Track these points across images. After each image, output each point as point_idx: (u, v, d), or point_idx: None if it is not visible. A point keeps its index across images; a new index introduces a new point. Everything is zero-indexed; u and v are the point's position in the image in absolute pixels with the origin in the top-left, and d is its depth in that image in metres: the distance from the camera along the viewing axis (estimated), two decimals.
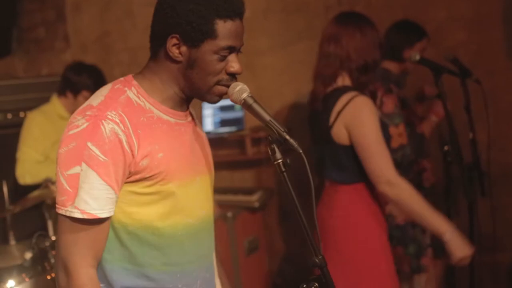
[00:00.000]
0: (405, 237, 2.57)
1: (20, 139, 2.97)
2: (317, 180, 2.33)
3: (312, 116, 2.30)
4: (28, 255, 2.26)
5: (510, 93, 3.21)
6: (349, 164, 2.14)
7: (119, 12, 3.82)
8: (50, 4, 3.89)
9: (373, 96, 2.23)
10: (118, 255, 1.35)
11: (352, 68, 2.15)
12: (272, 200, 3.55)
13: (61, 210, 1.27)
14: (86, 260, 1.28)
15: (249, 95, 1.37)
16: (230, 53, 1.36)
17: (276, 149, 1.33)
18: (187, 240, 1.40)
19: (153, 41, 1.40)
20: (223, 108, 3.53)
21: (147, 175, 1.32)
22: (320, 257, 1.35)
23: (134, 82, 1.38)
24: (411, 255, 2.62)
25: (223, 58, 1.35)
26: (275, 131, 1.32)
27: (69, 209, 1.26)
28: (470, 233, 2.71)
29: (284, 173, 1.34)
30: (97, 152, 1.25)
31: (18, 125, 3.12)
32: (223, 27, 1.33)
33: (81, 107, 1.33)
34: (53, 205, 2.54)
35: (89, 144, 1.25)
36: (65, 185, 1.26)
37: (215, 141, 3.48)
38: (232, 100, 1.40)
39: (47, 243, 2.39)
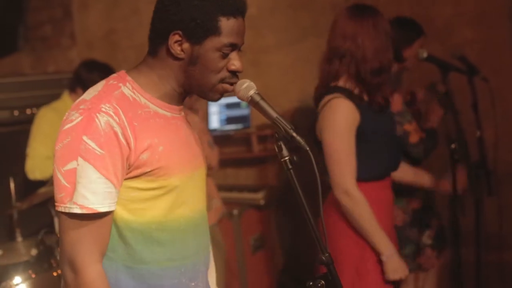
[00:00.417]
0: (402, 238, 2.56)
1: (31, 135, 2.99)
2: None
3: None
4: (34, 252, 2.27)
5: None
6: None
7: (125, 10, 3.82)
8: (56, 2, 3.90)
9: (386, 100, 2.15)
10: (122, 254, 1.33)
11: (365, 69, 2.06)
12: (278, 197, 3.55)
13: (60, 207, 1.25)
14: (93, 256, 1.26)
15: (256, 92, 1.37)
16: (232, 50, 1.36)
17: (283, 146, 1.33)
18: (189, 234, 1.41)
19: (153, 38, 1.38)
20: (229, 106, 3.53)
21: (148, 169, 1.30)
22: (327, 254, 1.35)
23: (129, 78, 1.37)
24: (408, 256, 2.61)
25: (225, 56, 1.35)
26: (282, 128, 1.32)
27: (68, 205, 1.24)
28: (476, 232, 2.71)
29: (291, 170, 1.33)
30: (93, 145, 1.23)
31: (24, 122, 3.13)
32: (226, 24, 1.33)
33: (75, 102, 1.32)
34: None
35: (84, 137, 1.23)
36: (63, 181, 1.24)
37: (221, 139, 3.48)
38: (239, 97, 1.39)
39: (54, 240, 2.41)
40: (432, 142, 2.63)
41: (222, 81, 1.38)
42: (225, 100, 3.47)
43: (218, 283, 1.62)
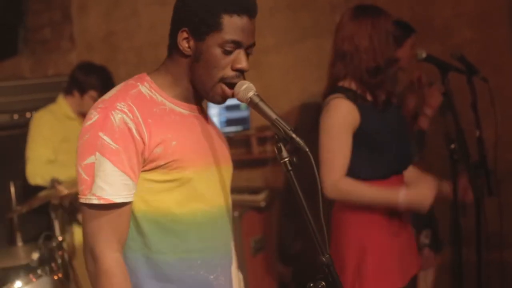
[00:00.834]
0: None
1: (29, 138, 2.97)
2: None
3: None
4: (35, 256, 2.27)
5: None
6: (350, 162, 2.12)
7: (124, 12, 3.82)
8: (56, 5, 3.90)
9: (389, 99, 2.16)
10: (140, 243, 1.39)
11: (362, 69, 2.08)
12: (279, 199, 3.54)
13: (81, 199, 1.34)
14: (111, 245, 1.33)
15: (255, 93, 1.38)
16: (236, 48, 1.38)
17: (283, 148, 1.34)
18: (205, 228, 1.44)
19: (169, 40, 1.45)
20: (229, 108, 3.53)
21: (162, 163, 1.36)
22: (327, 256, 1.34)
23: (148, 78, 1.45)
24: None
25: (228, 52, 1.38)
26: (281, 129, 1.33)
27: (88, 197, 1.32)
28: (477, 231, 2.70)
29: (291, 172, 1.34)
30: (109, 140, 1.31)
31: (24, 125, 3.13)
32: (229, 21, 1.36)
33: (96, 102, 1.40)
34: (58, 205, 2.58)
35: (101, 134, 1.31)
36: (83, 175, 1.33)
37: None
38: (238, 99, 1.40)
39: (54, 244, 2.41)
40: (419, 145, 2.64)
41: (224, 80, 1.40)
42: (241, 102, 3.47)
43: None
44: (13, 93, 3.36)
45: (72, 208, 2.85)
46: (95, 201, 1.32)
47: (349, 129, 2.07)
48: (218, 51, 1.37)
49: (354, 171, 2.12)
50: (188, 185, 1.40)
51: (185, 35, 1.39)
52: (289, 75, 3.52)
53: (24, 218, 2.65)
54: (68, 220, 2.84)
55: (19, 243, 2.56)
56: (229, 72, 1.39)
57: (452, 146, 2.39)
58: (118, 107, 1.34)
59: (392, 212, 2.18)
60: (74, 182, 2.70)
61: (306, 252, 3.48)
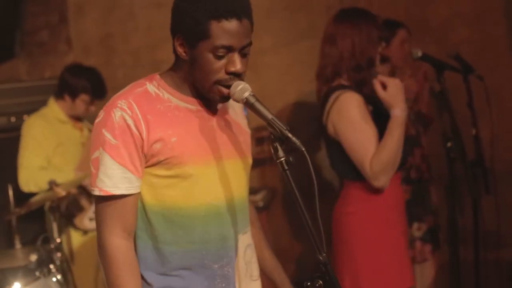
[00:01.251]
0: None
1: (21, 145, 2.93)
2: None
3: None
4: (33, 258, 2.27)
5: None
6: (351, 160, 2.14)
7: (121, 14, 3.82)
8: (52, 7, 3.90)
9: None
10: (149, 233, 1.46)
11: (346, 68, 2.15)
12: (276, 199, 3.55)
13: (91, 191, 1.44)
14: (113, 231, 1.41)
15: (251, 94, 1.39)
16: (227, 52, 1.38)
17: (279, 147, 1.34)
18: (210, 221, 1.47)
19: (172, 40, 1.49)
20: None
21: (162, 159, 1.41)
22: (324, 254, 1.35)
23: (157, 77, 1.49)
24: None
25: (220, 57, 1.39)
26: (277, 129, 1.34)
27: (94, 188, 1.42)
28: (474, 230, 2.71)
29: (287, 171, 1.34)
30: (109, 136, 1.39)
31: (21, 128, 3.12)
32: (217, 27, 1.36)
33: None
34: (57, 207, 2.58)
35: (103, 130, 1.40)
36: (92, 168, 1.42)
37: None
38: (234, 99, 1.41)
39: (52, 246, 2.41)
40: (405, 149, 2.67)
41: (219, 83, 1.41)
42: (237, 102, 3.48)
43: None
44: (10, 96, 3.35)
45: (68, 212, 2.84)
46: (97, 193, 1.41)
47: (369, 117, 2.12)
48: (210, 57, 1.39)
49: (354, 170, 2.13)
50: (190, 180, 1.44)
51: (180, 41, 1.43)
52: (285, 76, 3.53)
53: (22, 220, 2.66)
54: (65, 224, 2.84)
55: (18, 245, 2.56)
56: (223, 76, 1.40)
57: (449, 144, 2.41)
58: (118, 105, 1.40)
59: (400, 209, 2.20)
60: (71, 184, 2.71)
61: (304, 252, 3.49)
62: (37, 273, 2.25)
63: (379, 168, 2.05)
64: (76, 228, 2.89)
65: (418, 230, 2.77)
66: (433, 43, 3.12)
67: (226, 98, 1.44)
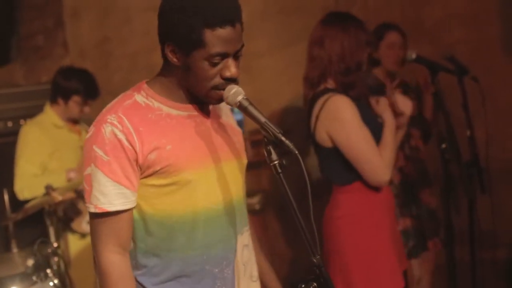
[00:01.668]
0: None
1: (17, 153, 2.93)
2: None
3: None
4: (30, 262, 2.27)
5: (508, 90, 3.22)
6: (339, 165, 2.14)
7: (117, 18, 3.83)
8: (48, 12, 3.90)
9: (365, 98, 2.21)
10: (150, 243, 1.46)
11: (335, 71, 2.14)
12: (273, 202, 3.55)
13: (86, 207, 1.44)
14: (107, 247, 1.41)
15: (244, 97, 1.39)
16: (222, 59, 1.39)
17: (272, 151, 1.36)
18: (211, 225, 1.47)
19: (160, 47, 1.47)
20: None
21: (158, 168, 1.40)
22: (318, 257, 1.36)
23: (145, 86, 1.48)
24: None
25: (215, 64, 1.39)
26: (270, 132, 1.35)
27: (88, 205, 1.42)
28: (470, 230, 2.72)
29: (280, 174, 1.35)
30: (101, 153, 1.38)
31: (18, 133, 3.12)
32: (212, 35, 1.36)
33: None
34: (54, 211, 2.58)
35: (94, 147, 1.39)
36: (85, 184, 1.42)
37: None
38: (227, 103, 1.42)
39: (49, 250, 2.41)
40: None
41: (216, 88, 1.41)
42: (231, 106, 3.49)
43: None
44: (6, 101, 3.35)
45: (66, 216, 2.85)
46: (93, 210, 1.40)
47: (359, 117, 2.11)
48: (205, 64, 1.38)
49: (345, 172, 2.13)
50: (188, 187, 1.43)
51: (171, 47, 1.41)
52: (281, 79, 3.54)
53: (19, 225, 2.66)
54: (62, 228, 2.84)
55: (15, 250, 2.56)
56: (219, 81, 1.41)
57: (443, 145, 2.42)
58: (108, 120, 1.39)
59: (389, 212, 2.20)
60: (68, 189, 2.71)
61: (301, 255, 3.49)
62: (34, 278, 2.25)
63: (388, 160, 2.11)
64: (74, 231, 2.90)
65: (401, 225, 2.79)
66: (428, 44, 3.13)
67: (222, 100, 1.44)
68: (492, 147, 2.84)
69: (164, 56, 1.45)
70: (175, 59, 1.41)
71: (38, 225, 2.80)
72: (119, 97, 1.48)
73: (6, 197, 2.55)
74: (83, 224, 2.87)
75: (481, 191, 2.76)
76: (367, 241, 2.12)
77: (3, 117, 3.32)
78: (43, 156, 2.90)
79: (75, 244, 2.92)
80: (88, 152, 1.40)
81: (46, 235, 2.55)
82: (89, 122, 1.52)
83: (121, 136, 1.37)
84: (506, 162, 3.22)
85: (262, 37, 3.52)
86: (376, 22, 2.94)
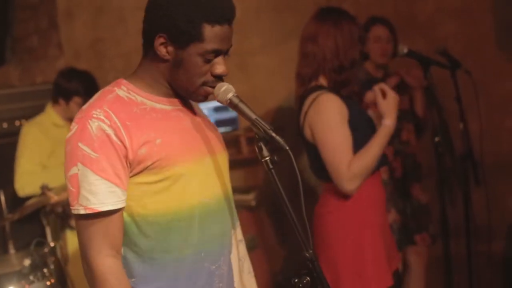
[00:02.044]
0: None
1: (17, 152, 2.97)
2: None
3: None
4: (27, 262, 2.28)
5: (501, 83, 3.23)
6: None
7: (111, 18, 3.83)
8: (42, 13, 3.90)
9: (356, 96, 2.19)
10: (145, 246, 1.39)
11: (328, 68, 2.12)
12: (269, 198, 3.56)
13: (72, 210, 1.35)
14: (102, 251, 1.33)
15: (235, 94, 1.40)
16: (216, 56, 1.40)
17: (263, 147, 1.36)
18: (206, 220, 1.44)
19: (144, 39, 1.44)
20: (217, 109, 3.54)
21: (149, 163, 1.35)
22: (311, 251, 1.37)
23: (124, 81, 1.44)
24: None
25: (208, 61, 1.39)
26: (261, 129, 1.35)
27: (76, 208, 1.33)
28: (465, 223, 2.74)
29: (272, 170, 1.36)
30: (88, 150, 1.31)
31: (13, 134, 3.12)
32: (211, 31, 1.36)
33: (77, 113, 1.39)
34: (50, 211, 2.59)
35: (79, 144, 1.32)
36: (69, 186, 1.34)
37: None
38: (218, 101, 1.42)
39: (46, 250, 2.42)
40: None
41: (205, 84, 1.42)
42: (213, 104, 3.49)
43: None
44: (1, 102, 3.36)
45: (65, 213, 2.86)
46: (82, 211, 1.32)
47: (345, 121, 2.09)
48: (199, 60, 1.38)
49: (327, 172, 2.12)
50: (182, 181, 1.39)
51: (162, 40, 1.37)
52: (275, 76, 3.55)
53: (16, 225, 2.66)
54: (61, 225, 2.85)
55: (12, 251, 2.57)
56: (209, 78, 1.41)
57: (437, 139, 2.43)
58: (94, 115, 1.33)
59: (378, 208, 2.20)
60: (64, 188, 2.72)
61: (298, 250, 3.50)
62: (31, 277, 2.25)
63: (358, 171, 2.04)
64: (73, 228, 2.91)
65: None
66: (421, 39, 3.14)
67: (207, 97, 1.44)
68: (486, 140, 2.85)
69: (146, 50, 1.43)
70: (165, 53, 1.38)
71: (35, 225, 2.81)
72: (99, 93, 1.42)
73: (2, 198, 2.56)
74: None
75: (475, 184, 2.78)
76: (354, 236, 2.11)
77: None
78: (43, 156, 2.93)
79: (74, 241, 2.92)
80: (73, 151, 1.32)
81: (43, 235, 2.55)
82: None
83: (109, 131, 1.32)
84: (500, 155, 3.24)
85: (256, 35, 3.52)
86: (368, 17, 2.95)
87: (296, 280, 1.38)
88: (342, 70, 2.12)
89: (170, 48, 1.38)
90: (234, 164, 3.55)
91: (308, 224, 1.38)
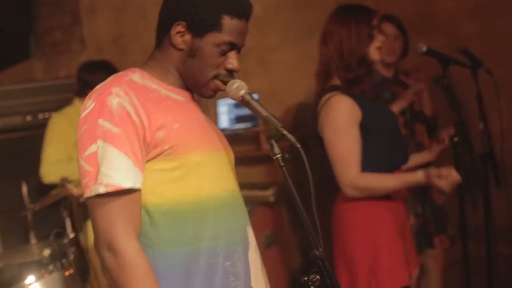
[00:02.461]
0: None
1: (44, 141, 3.07)
2: None
3: None
4: (47, 252, 2.33)
5: None
6: None
7: (132, 14, 3.88)
8: (65, 8, 3.97)
9: (368, 94, 2.17)
10: (157, 239, 1.34)
11: (336, 68, 2.13)
12: (287, 194, 3.57)
13: (86, 193, 1.26)
14: (129, 233, 1.26)
15: (247, 91, 1.41)
16: (231, 49, 1.41)
17: (275, 144, 1.36)
18: (221, 213, 1.40)
19: (159, 29, 1.45)
20: (238, 105, 3.54)
21: (167, 147, 1.32)
22: (321, 249, 1.36)
23: (137, 69, 1.43)
24: None
25: (223, 53, 1.40)
26: (273, 126, 1.35)
27: (94, 188, 1.24)
28: (486, 225, 2.70)
29: (283, 168, 1.36)
30: (109, 126, 1.26)
31: (36, 127, 3.19)
32: (229, 23, 1.38)
33: (89, 94, 1.36)
34: (70, 203, 2.64)
35: (100, 121, 1.27)
36: (86, 167, 1.26)
37: (231, 138, 3.42)
38: (230, 97, 1.43)
39: (65, 240, 2.47)
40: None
41: (217, 77, 1.42)
42: (233, 100, 3.52)
43: None
44: (25, 95, 3.42)
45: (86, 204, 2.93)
46: (103, 189, 1.23)
47: (355, 124, 2.09)
48: (215, 50, 1.39)
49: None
50: (198, 170, 1.36)
51: (180, 28, 1.38)
52: (294, 72, 3.54)
53: (37, 216, 2.72)
54: (83, 214, 2.90)
55: (33, 241, 2.63)
56: (222, 71, 1.42)
57: (455, 139, 2.40)
58: (113, 91, 1.30)
59: (397, 209, 2.19)
60: None
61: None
62: (51, 267, 2.31)
63: (362, 186, 2.06)
64: None
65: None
66: (442, 37, 3.10)
67: (216, 93, 1.45)
68: (507, 140, 2.81)
69: (160, 39, 1.43)
70: (181, 41, 1.39)
71: (56, 216, 2.86)
72: (112, 76, 1.39)
73: (24, 189, 2.62)
74: None
75: (496, 185, 2.74)
76: (371, 234, 2.11)
77: (22, 111, 3.39)
78: (68, 145, 3.01)
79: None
80: (92, 128, 1.27)
81: (63, 226, 2.61)
82: None
83: (129, 108, 1.28)
84: None
85: (275, 31, 3.52)
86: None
87: (305, 278, 1.37)
88: (349, 68, 2.11)
89: (187, 37, 1.39)
90: (253, 160, 3.62)
91: (319, 221, 1.37)
